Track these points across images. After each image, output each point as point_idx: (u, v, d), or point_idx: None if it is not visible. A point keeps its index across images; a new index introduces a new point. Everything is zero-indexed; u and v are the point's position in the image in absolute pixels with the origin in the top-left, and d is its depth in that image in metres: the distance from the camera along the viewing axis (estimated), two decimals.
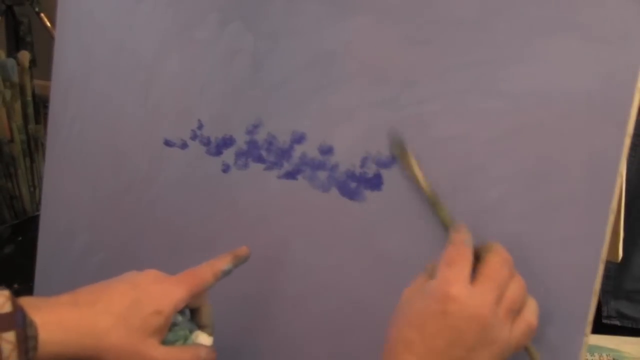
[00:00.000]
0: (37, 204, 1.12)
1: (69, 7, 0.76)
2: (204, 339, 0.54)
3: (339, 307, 0.60)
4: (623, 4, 0.48)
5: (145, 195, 0.71)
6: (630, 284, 1.00)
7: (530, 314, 0.48)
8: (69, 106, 0.77)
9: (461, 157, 0.54)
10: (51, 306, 0.49)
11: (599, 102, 0.49)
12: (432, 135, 0.55)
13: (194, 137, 0.68)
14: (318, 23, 0.60)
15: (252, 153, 0.64)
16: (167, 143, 0.69)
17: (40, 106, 1.13)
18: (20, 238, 1.06)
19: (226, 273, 0.55)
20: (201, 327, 0.55)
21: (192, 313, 0.55)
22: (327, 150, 0.60)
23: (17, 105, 1.10)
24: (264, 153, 0.63)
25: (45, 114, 0.82)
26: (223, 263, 0.55)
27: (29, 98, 1.12)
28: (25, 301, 0.47)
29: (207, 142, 0.67)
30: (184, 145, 0.68)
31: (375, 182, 0.58)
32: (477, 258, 0.48)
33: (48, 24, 1.97)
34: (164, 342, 0.52)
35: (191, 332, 0.54)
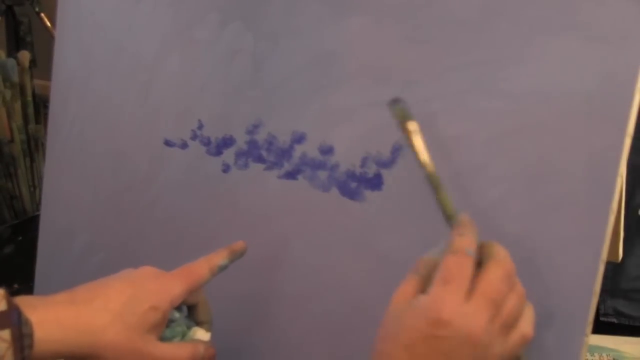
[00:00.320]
0: (37, 204, 1.12)
1: (69, 7, 0.76)
2: (201, 334, 0.54)
3: (339, 307, 0.60)
4: (623, 4, 0.48)
5: (145, 195, 0.71)
6: (626, 282, 1.00)
7: (526, 324, 0.46)
8: (69, 106, 0.77)
9: (461, 157, 0.54)
10: (48, 304, 0.49)
11: (599, 102, 0.49)
12: (433, 136, 0.55)
13: (194, 137, 0.68)
14: (318, 23, 0.60)
15: (252, 153, 0.64)
16: (167, 143, 0.69)
17: (40, 106, 1.13)
18: (20, 238, 1.05)
19: (222, 268, 0.55)
20: (199, 323, 0.55)
21: (190, 309, 0.55)
22: (327, 150, 0.60)
23: (17, 105, 1.10)
24: (264, 153, 0.63)
25: (46, 114, 0.82)
26: (219, 258, 0.55)
27: (29, 98, 1.12)
28: (21, 300, 0.47)
29: (207, 142, 0.67)
30: (184, 145, 0.68)
31: (375, 182, 0.58)
32: (478, 264, 0.46)
33: (48, 24, 1.97)
34: (162, 339, 0.52)
35: (189, 328, 0.54)
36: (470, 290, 0.44)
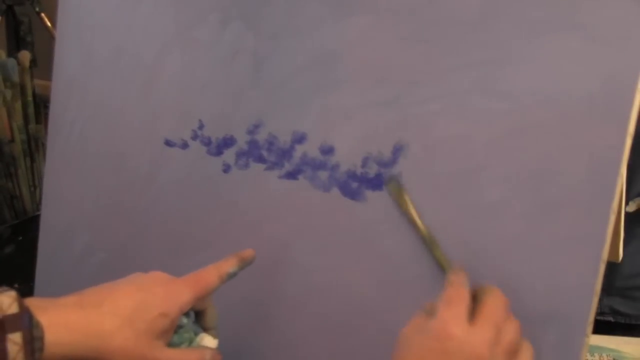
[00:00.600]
0: (37, 204, 1.12)
1: (70, 7, 0.76)
2: (209, 341, 0.54)
3: (340, 307, 0.60)
4: (623, 5, 0.48)
5: (145, 195, 0.71)
6: (621, 281, 1.00)
7: (527, 358, 0.48)
8: (70, 106, 0.77)
9: (461, 157, 0.54)
10: (57, 307, 0.48)
11: (599, 103, 0.49)
12: (433, 135, 0.55)
13: (194, 137, 0.68)
14: (319, 23, 0.60)
15: (252, 153, 0.64)
16: (168, 143, 0.69)
17: (40, 106, 1.13)
18: (21, 238, 1.06)
19: (232, 276, 0.55)
20: (206, 330, 0.55)
21: (197, 315, 0.55)
22: (328, 150, 0.60)
23: (18, 105, 1.10)
24: (264, 153, 0.63)
25: (46, 114, 0.82)
26: (229, 265, 0.55)
27: (30, 98, 1.12)
28: (31, 302, 0.47)
29: (207, 142, 0.67)
30: (184, 145, 0.68)
31: (376, 182, 0.58)
32: (475, 299, 0.49)
33: (48, 23, 1.97)
34: (169, 345, 0.52)
35: (196, 334, 0.54)
36: (472, 315, 0.48)
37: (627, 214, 0.89)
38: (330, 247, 0.60)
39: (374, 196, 0.58)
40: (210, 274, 0.54)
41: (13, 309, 0.45)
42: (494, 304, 0.48)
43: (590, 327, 0.50)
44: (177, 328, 0.52)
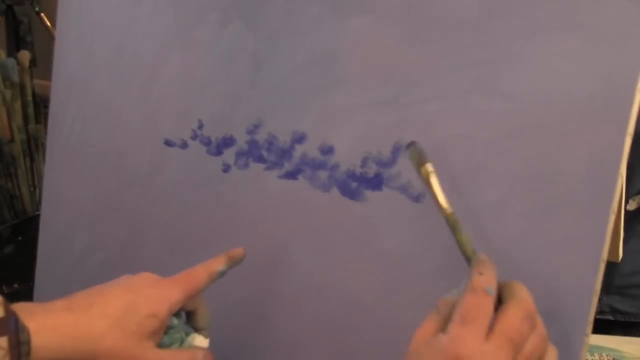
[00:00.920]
0: (37, 204, 1.12)
1: (69, 6, 0.76)
2: (200, 341, 0.54)
3: (339, 307, 0.60)
4: (623, 4, 0.48)
5: (145, 195, 0.71)
6: (620, 279, 1.00)
7: None
8: (69, 106, 0.77)
9: (461, 157, 0.54)
10: (46, 311, 0.48)
11: (599, 102, 0.49)
12: (432, 135, 0.55)
13: (194, 137, 0.68)
14: (318, 23, 0.60)
15: (252, 153, 0.64)
16: (168, 143, 0.69)
17: (40, 106, 1.13)
18: (20, 238, 1.05)
19: (221, 274, 0.55)
20: (197, 330, 0.55)
21: (188, 316, 0.55)
22: (327, 150, 0.60)
23: (17, 105, 1.10)
24: (264, 153, 0.63)
25: (46, 114, 0.82)
26: (218, 264, 0.55)
27: (29, 98, 1.12)
28: (19, 307, 0.47)
29: (207, 142, 0.67)
30: (184, 145, 0.68)
31: (375, 182, 0.58)
32: (499, 298, 0.45)
33: (48, 23, 1.97)
34: (160, 345, 0.52)
35: (187, 334, 0.54)
36: (490, 330, 0.43)
37: (626, 212, 0.89)
38: (329, 247, 0.60)
39: (374, 196, 0.58)
40: (199, 273, 0.54)
41: None
42: (517, 316, 0.44)
43: (590, 327, 0.50)
44: (168, 328, 0.52)
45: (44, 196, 0.80)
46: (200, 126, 0.67)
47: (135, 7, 0.71)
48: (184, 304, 0.53)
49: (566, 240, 0.50)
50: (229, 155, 0.65)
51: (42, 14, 1.98)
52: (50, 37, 1.77)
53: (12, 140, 1.09)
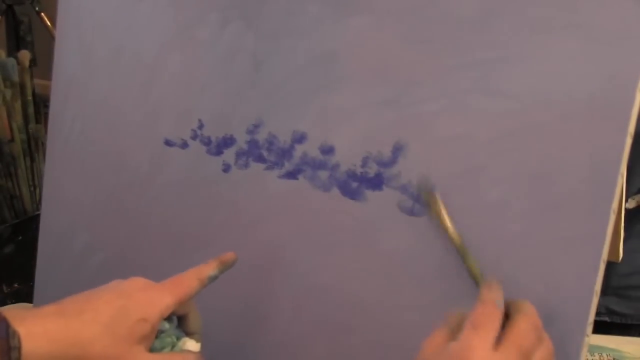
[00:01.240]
0: (37, 204, 1.12)
1: (70, 6, 0.76)
2: (191, 345, 0.54)
3: (339, 307, 0.60)
4: (623, 4, 0.48)
5: (145, 194, 0.71)
6: (616, 280, 0.99)
7: None
8: (69, 106, 0.77)
9: (461, 157, 0.54)
10: (36, 317, 0.48)
11: (600, 102, 0.49)
12: (433, 135, 0.55)
13: (194, 136, 0.68)
14: (319, 23, 0.60)
15: (252, 153, 0.64)
16: (168, 143, 0.69)
17: (40, 106, 1.13)
18: (21, 237, 1.05)
19: (212, 279, 0.55)
20: (189, 334, 0.55)
21: (180, 320, 0.55)
22: (328, 150, 0.60)
23: (18, 105, 1.10)
24: (264, 153, 0.63)
25: (46, 114, 0.82)
26: (209, 269, 0.55)
27: (30, 97, 1.12)
28: (9, 312, 0.46)
29: (207, 142, 0.67)
30: (184, 145, 0.68)
31: (376, 182, 0.58)
32: (506, 315, 0.47)
33: (48, 23, 1.97)
34: (151, 350, 0.52)
35: (178, 339, 0.54)
36: (499, 340, 0.45)
37: (626, 211, 0.88)
38: (329, 247, 0.60)
39: (374, 196, 0.58)
40: (190, 278, 0.54)
41: None
42: (525, 327, 0.46)
43: (590, 327, 0.50)
44: (159, 333, 0.52)
45: (44, 196, 0.80)
46: (201, 126, 0.67)
47: (135, 7, 0.71)
48: (175, 309, 0.53)
49: (566, 240, 0.50)
50: (229, 155, 0.65)
51: (42, 14, 1.98)
52: (50, 37, 1.77)
53: (12, 140, 1.09)
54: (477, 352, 0.44)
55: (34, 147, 1.12)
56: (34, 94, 1.13)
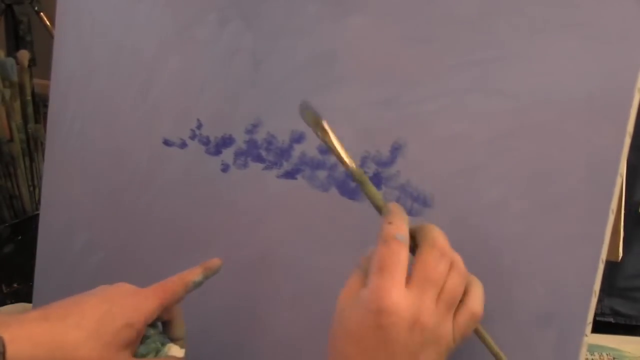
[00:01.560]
0: (36, 204, 1.12)
1: (69, 6, 0.76)
2: (176, 351, 0.54)
3: None
4: (623, 4, 0.48)
5: (144, 194, 0.71)
6: (622, 281, 1.00)
7: (473, 301, 0.46)
8: (69, 105, 0.77)
9: (460, 156, 0.54)
10: (21, 322, 0.48)
11: (599, 102, 0.49)
12: (432, 135, 0.55)
13: (193, 136, 0.68)
14: (318, 22, 0.60)
15: (251, 152, 0.64)
16: (167, 142, 0.69)
17: (39, 105, 1.13)
18: (20, 237, 1.05)
19: (197, 284, 0.55)
20: (173, 340, 0.55)
21: (164, 325, 0.55)
22: (326, 150, 0.60)
23: (17, 105, 1.10)
24: (263, 152, 0.63)
25: (45, 113, 0.82)
26: (194, 275, 0.55)
27: (29, 97, 1.12)
28: None
29: (206, 142, 0.67)
30: (183, 145, 0.68)
31: (375, 182, 0.57)
32: (413, 239, 0.46)
33: (48, 23, 1.97)
34: (136, 355, 0.52)
35: (163, 344, 0.54)
36: (409, 276, 0.44)
37: (636, 215, 0.88)
38: (328, 247, 0.60)
39: None
40: (175, 284, 0.54)
41: None
42: (432, 258, 0.44)
43: (589, 327, 0.50)
44: (144, 338, 0.53)
45: (43, 195, 0.80)
46: (199, 126, 0.67)
47: (134, 6, 0.71)
48: (160, 314, 0.53)
49: (565, 240, 0.50)
50: (227, 154, 0.65)
51: (42, 14, 1.98)
52: (49, 37, 1.77)
53: (11, 140, 1.08)
54: (389, 296, 0.42)
55: (33, 147, 1.12)
56: (33, 94, 1.12)
